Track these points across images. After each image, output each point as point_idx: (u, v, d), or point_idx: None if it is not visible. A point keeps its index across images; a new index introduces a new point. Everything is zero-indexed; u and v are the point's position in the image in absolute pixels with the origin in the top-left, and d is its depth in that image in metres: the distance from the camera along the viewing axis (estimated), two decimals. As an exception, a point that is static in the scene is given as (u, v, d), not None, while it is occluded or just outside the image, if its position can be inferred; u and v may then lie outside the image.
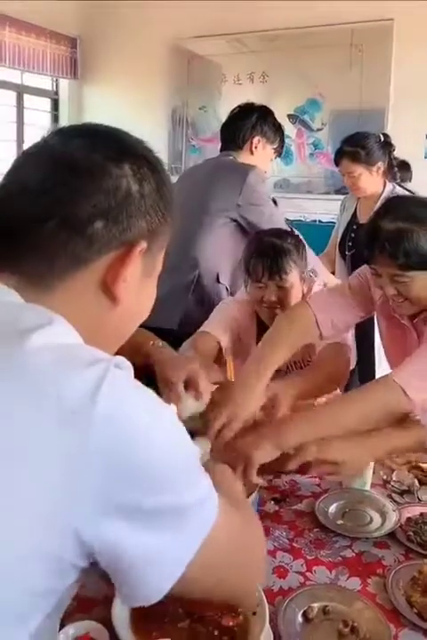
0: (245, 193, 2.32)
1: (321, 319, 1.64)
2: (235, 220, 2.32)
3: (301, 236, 2.02)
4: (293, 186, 6.38)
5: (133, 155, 0.74)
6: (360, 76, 5.80)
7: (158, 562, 0.63)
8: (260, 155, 2.45)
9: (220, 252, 2.33)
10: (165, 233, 0.78)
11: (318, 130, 6.16)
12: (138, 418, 0.61)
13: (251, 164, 2.39)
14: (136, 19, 6.57)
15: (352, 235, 2.72)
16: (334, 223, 5.59)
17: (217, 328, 1.93)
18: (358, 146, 2.58)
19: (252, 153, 2.43)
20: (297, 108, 6.22)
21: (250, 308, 2.01)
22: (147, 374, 1.75)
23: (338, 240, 2.79)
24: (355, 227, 2.73)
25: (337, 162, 2.66)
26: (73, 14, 6.77)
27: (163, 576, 0.64)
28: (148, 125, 6.96)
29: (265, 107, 2.66)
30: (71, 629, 0.92)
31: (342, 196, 5.78)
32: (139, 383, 0.66)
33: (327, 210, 5.95)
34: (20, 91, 6.85)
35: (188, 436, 0.68)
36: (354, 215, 2.76)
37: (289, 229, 2.17)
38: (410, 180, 3.11)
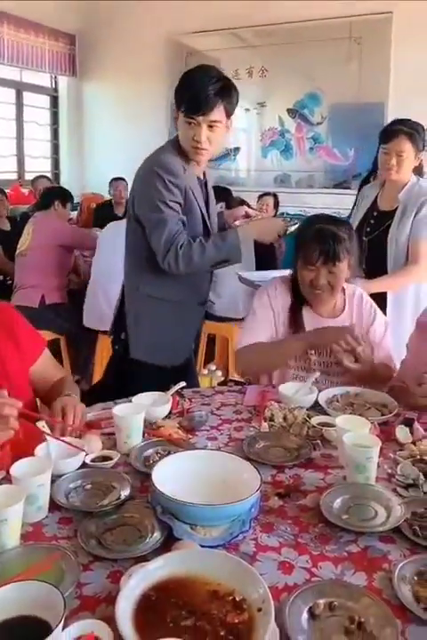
0: (137, 191, 2.17)
1: None
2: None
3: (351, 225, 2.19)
4: (293, 181, 6.37)
5: None
6: (359, 69, 5.79)
7: None
8: (179, 129, 2.12)
9: (138, 261, 2.21)
10: None
11: (318, 124, 6.16)
12: None
13: (175, 144, 2.14)
14: (134, 15, 6.56)
15: (371, 221, 2.80)
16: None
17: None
18: (414, 129, 2.64)
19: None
20: (296, 103, 6.22)
21: (287, 285, 2.15)
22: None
23: (355, 227, 2.82)
24: (375, 213, 2.80)
25: (388, 139, 2.65)
26: (71, 11, 6.75)
27: None
28: (146, 120, 6.95)
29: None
30: (75, 628, 0.91)
31: (342, 190, 5.84)
32: None
33: (327, 204, 5.95)
34: (20, 88, 6.84)
35: None
36: (374, 202, 2.84)
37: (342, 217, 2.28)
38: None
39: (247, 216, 2.40)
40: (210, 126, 2.04)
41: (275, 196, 5.58)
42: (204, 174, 2.29)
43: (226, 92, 2.03)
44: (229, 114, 2.07)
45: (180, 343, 2.30)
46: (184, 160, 2.13)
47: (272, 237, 2.24)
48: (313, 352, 2.08)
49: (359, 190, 3.12)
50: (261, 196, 5.59)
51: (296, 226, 2.22)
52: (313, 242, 1.98)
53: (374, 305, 2.18)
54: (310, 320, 2.10)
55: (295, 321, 2.10)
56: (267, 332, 2.12)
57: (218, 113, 2.03)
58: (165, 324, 2.23)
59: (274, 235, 2.22)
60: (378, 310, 2.18)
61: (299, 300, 2.12)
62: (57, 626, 0.86)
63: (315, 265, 1.98)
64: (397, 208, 2.70)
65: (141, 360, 2.22)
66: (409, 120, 2.72)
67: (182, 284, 2.20)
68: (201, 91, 2.00)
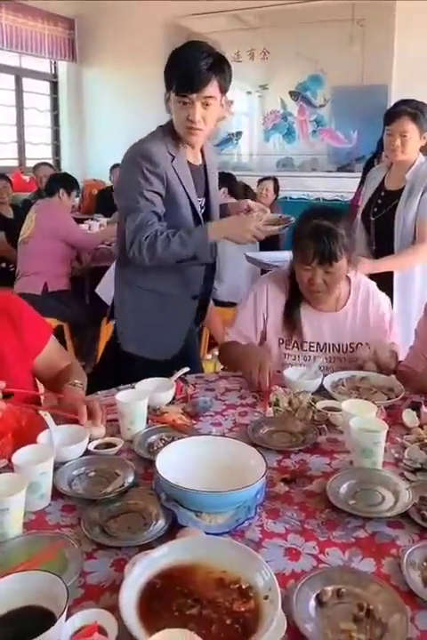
0: (119, 179, 2.15)
1: None
2: None
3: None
4: (296, 164, 6.31)
5: None
6: (362, 51, 5.73)
7: None
8: (172, 110, 2.01)
9: (124, 250, 2.07)
10: None
11: (321, 106, 6.10)
12: None
13: (165, 129, 2.06)
14: (134, -3, 6.48)
15: (379, 201, 2.82)
16: (338, 201, 5.60)
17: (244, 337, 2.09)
18: (418, 109, 2.65)
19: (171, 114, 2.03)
20: (299, 85, 6.16)
21: (283, 281, 2.08)
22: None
23: (363, 208, 2.90)
24: (382, 193, 2.82)
25: (391, 120, 2.68)
26: (69, -5, 6.67)
27: None
28: (148, 106, 6.85)
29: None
30: (78, 618, 0.90)
31: (345, 173, 5.79)
32: None
33: (331, 187, 5.91)
34: (19, 74, 6.79)
35: None
36: (381, 182, 2.86)
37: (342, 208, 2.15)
38: None
39: (249, 209, 2.32)
40: (205, 104, 1.93)
41: (275, 179, 5.53)
42: (203, 158, 2.18)
43: (219, 66, 1.93)
44: (223, 89, 1.97)
45: (169, 336, 2.20)
46: (174, 146, 2.03)
47: (245, 241, 2.03)
48: (315, 348, 2.04)
49: (365, 172, 3.11)
50: (260, 181, 5.54)
51: (280, 229, 2.08)
52: (309, 240, 1.89)
53: (383, 301, 2.10)
54: (308, 316, 2.05)
55: (291, 319, 2.04)
56: (248, 333, 2.09)
57: (212, 88, 1.92)
58: (151, 317, 2.15)
59: (247, 237, 1.99)
60: (387, 306, 2.11)
61: (297, 296, 2.05)
62: (60, 616, 0.84)
63: (311, 265, 1.90)
64: (404, 187, 2.70)
65: (131, 352, 2.16)
66: (413, 100, 2.72)
67: (171, 277, 2.12)
68: (193, 67, 1.89)
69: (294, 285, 2.03)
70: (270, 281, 2.12)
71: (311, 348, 2.04)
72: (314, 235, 1.88)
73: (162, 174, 1.98)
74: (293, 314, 2.04)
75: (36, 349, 1.76)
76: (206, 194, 2.19)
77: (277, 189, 5.51)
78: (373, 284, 2.13)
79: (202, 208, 2.15)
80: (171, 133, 2.04)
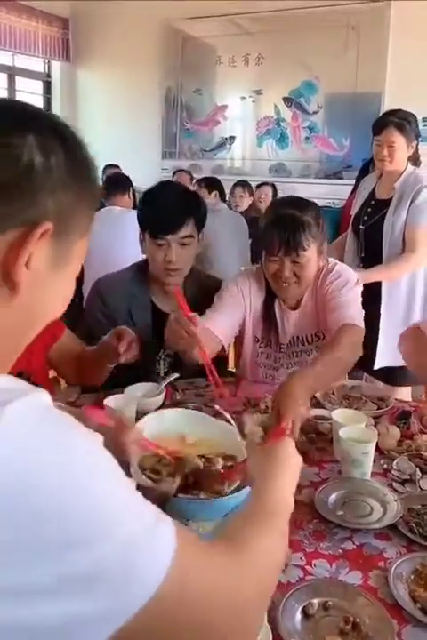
0: None
1: None
2: None
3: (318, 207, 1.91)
4: (288, 170, 6.32)
5: (40, 125, 0.65)
6: (356, 58, 5.73)
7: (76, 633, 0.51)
8: (148, 254, 1.98)
9: None
10: (81, 219, 0.68)
11: (314, 113, 6.10)
12: (38, 460, 0.51)
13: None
14: (129, -1, 6.47)
15: (369, 209, 2.84)
16: (330, 207, 5.61)
17: (222, 327, 1.86)
18: (405, 120, 2.69)
19: None
20: (292, 91, 6.16)
21: (261, 278, 1.96)
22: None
23: (353, 217, 2.93)
24: (372, 202, 2.84)
25: (379, 130, 2.71)
26: (64, -6, 6.65)
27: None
28: (142, 108, 6.88)
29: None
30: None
31: (337, 180, 5.80)
32: (47, 415, 0.56)
33: (322, 194, 5.90)
34: (12, 73, 6.75)
35: (116, 474, 0.58)
36: (372, 191, 2.89)
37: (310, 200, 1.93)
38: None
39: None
40: (182, 244, 1.89)
41: (273, 186, 5.54)
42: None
43: (194, 204, 1.92)
44: (200, 227, 1.94)
45: None
46: (141, 287, 2.00)
47: None
48: (285, 347, 1.95)
49: (358, 179, 3.12)
50: (259, 186, 5.54)
51: None
52: (272, 229, 1.77)
53: (342, 271, 1.92)
54: (279, 313, 1.96)
55: (269, 315, 1.95)
56: (233, 316, 1.92)
57: (188, 228, 1.89)
58: None
59: None
60: (343, 269, 1.94)
61: (272, 293, 1.94)
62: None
63: (277, 255, 1.77)
64: (393, 197, 2.72)
65: None
66: (400, 110, 2.75)
67: None
68: (166, 209, 1.87)
69: (269, 282, 1.92)
70: (247, 276, 2.01)
71: (281, 349, 1.96)
72: (278, 223, 1.77)
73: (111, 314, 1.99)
74: (270, 312, 1.95)
75: (52, 340, 1.79)
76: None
77: (275, 195, 5.54)
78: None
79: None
80: (143, 273, 2.01)
